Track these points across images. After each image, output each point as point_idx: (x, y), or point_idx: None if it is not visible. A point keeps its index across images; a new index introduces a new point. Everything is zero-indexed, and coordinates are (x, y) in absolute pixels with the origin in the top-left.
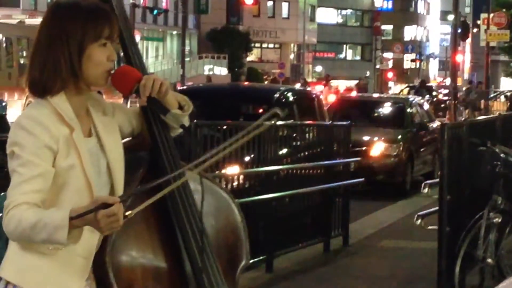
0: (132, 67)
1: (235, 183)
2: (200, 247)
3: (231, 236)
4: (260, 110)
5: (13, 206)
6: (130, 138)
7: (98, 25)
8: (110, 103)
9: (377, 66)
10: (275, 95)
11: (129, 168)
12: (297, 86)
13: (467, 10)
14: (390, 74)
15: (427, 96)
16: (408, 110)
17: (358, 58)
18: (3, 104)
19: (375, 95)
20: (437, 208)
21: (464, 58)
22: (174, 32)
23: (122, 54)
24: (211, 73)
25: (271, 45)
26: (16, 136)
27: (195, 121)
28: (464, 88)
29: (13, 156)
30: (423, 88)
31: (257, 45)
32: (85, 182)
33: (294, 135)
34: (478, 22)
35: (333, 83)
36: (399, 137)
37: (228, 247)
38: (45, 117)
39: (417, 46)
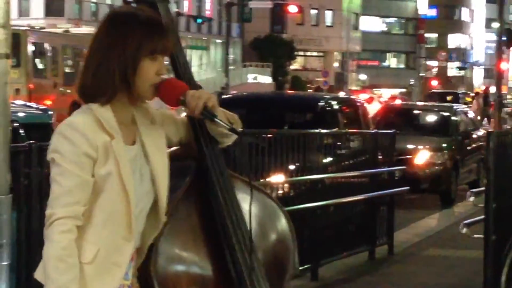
0: (178, 79)
1: (280, 192)
2: (244, 254)
3: (279, 245)
4: (305, 119)
5: (54, 219)
6: (178, 147)
7: (155, 40)
8: (159, 112)
9: (421, 74)
10: (320, 104)
11: (175, 176)
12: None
13: None
14: (434, 82)
15: None
16: (453, 118)
17: (402, 66)
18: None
19: (420, 103)
20: (482, 216)
21: (509, 66)
22: (218, 41)
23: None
24: (255, 81)
25: (314, 53)
26: (56, 144)
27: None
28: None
29: (54, 164)
30: None
31: (301, 53)
32: (122, 190)
33: (339, 143)
34: None
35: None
36: (444, 145)
37: (276, 255)
38: (84, 125)
39: (461, 54)
